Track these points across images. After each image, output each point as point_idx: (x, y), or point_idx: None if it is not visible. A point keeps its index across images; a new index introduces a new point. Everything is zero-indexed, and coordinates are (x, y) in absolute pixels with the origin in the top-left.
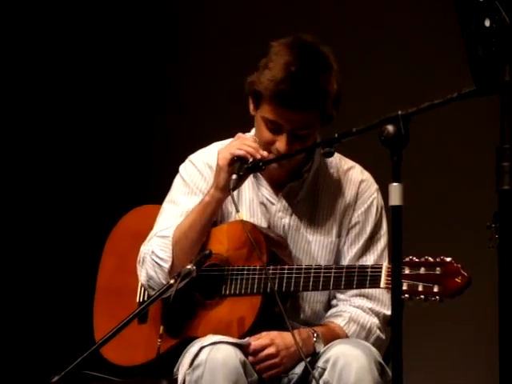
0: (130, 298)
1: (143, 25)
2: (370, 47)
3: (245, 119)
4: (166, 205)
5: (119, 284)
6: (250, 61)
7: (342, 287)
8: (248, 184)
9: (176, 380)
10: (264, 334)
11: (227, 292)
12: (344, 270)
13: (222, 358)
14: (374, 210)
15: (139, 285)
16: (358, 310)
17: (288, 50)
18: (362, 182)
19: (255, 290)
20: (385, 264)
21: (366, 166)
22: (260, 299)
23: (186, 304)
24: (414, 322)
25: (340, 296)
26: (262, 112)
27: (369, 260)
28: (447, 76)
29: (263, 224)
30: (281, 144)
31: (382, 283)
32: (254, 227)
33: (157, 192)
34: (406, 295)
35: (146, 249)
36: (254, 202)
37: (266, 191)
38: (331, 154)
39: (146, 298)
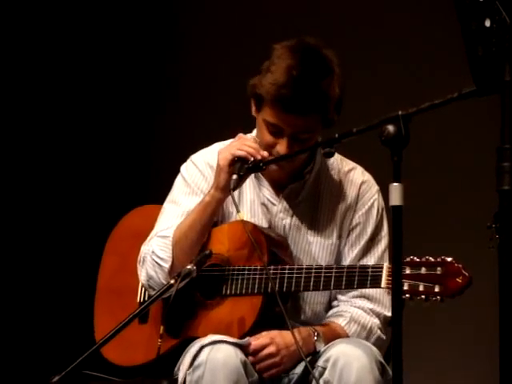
0: (131, 297)
1: (143, 25)
2: (369, 47)
3: (245, 119)
4: (167, 205)
5: (120, 284)
6: (250, 60)
7: (343, 287)
8: (249, 184)
9: (176, 380)
10: (264, 333)
11: (228, 292)
12: (345, 270)
13: (222, 358)
14: (374, 211)
15: (140, 285)
16: (359, 310)
17: (290, 53)
18: (362, 183)
19: (256, 290)
20: (386, 264)
21: (367, 167)
22: (261, 299)
23: (186, 304)
24: (414, 321)
25: (341, 297)
26: (263, 115)
27: (369, 261)
28: (447, 76)
29: (264, 224)
30: (281, 147)
31: (383, 283)
32: (254, 227)
33: (157, 192)
34: (407, 295)
35: (146, 249)
36: (255, 202)
37: (268, 192)
38: (332, 155)
39: (146, 298)
